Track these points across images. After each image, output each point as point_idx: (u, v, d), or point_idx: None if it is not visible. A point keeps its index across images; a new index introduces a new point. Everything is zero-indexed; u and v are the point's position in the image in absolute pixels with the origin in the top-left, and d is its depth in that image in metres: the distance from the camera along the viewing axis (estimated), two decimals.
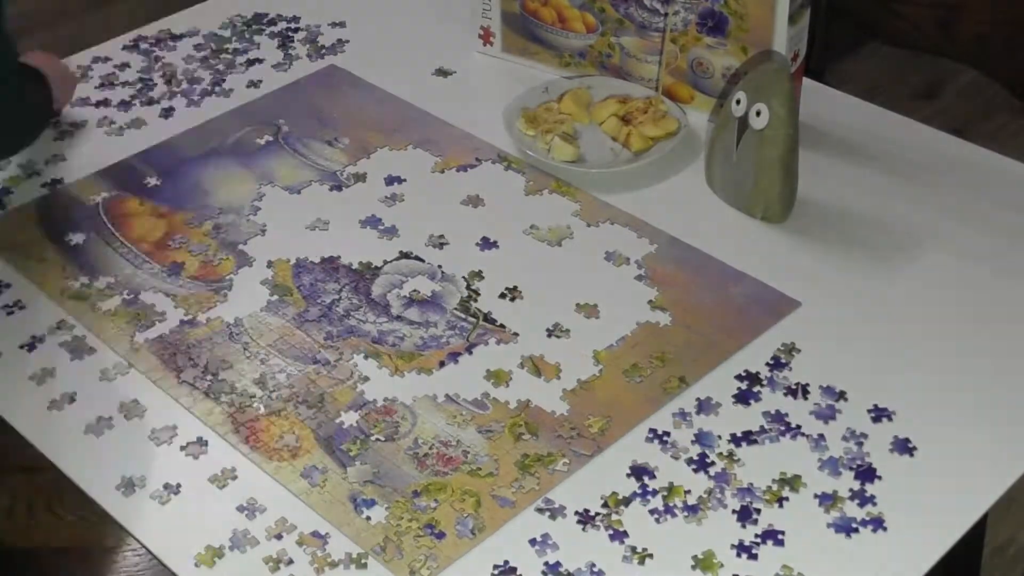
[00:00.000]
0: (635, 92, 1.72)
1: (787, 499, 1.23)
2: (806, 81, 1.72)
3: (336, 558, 1.19)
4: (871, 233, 1.54)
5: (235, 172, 1.68)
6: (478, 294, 1.47)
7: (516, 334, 1.42)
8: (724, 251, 1.51)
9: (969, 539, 1.24)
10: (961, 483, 1.24)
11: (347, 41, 1.92)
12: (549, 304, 1.45)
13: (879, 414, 1.31)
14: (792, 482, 1.24)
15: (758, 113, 1.51)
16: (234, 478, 1.27)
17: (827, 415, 1.31)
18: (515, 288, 1.48)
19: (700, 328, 1.41)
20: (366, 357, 1.39)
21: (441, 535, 1.21)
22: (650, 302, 1.45)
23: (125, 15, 2.48)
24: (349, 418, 1.33)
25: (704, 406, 1.32)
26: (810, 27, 1.66)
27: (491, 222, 1.57)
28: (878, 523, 1.20)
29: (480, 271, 1.50)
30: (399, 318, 1.44)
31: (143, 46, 1.93)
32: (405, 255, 1.53)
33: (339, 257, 1.53)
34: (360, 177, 1.66)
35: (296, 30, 1.95)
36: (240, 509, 1.24)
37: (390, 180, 1.65)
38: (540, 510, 1.23)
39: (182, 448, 1.31)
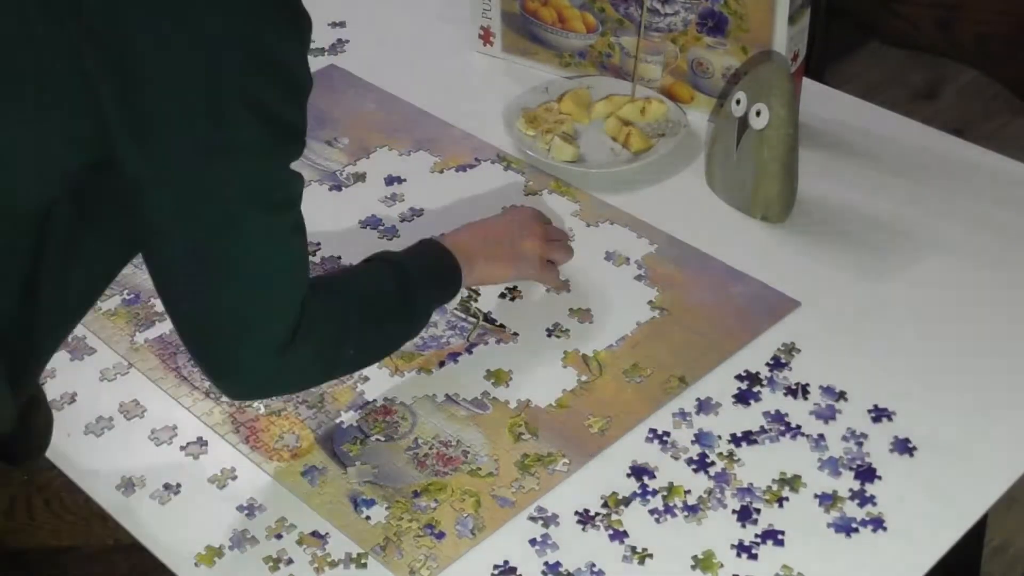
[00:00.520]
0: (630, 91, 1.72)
1: (787, 499, 1.23)
2: (806, 81, 1.72)
3: (336, 558, 1.19)
4: (871, 233, 1.54)
5: None
6: (478, 294, 1.47)
7: (516, 334, 1.42)
8: (724, 251, 1.51)
9: (969, 539, 1.24)
10: (961, 483, 1.24)
11: (347, 41, 1.92)
12: (549, 304, 1.45)
13: (879, 414, 1.31)
14: (792, 482, 1.24)
15: (758, 113, 1.51)
16: (234, 478, 1.27)
17: (827, 415, 1.31)
18: (515, 288, 1.48)
19: (700, 328, 1.41)
20: None
21: (441, 535, 1.21)
22: (650, 302, 1.45)
23: None
24: (349, 418, 1.33)
25: (704, 406, 1.32)
26: (810, 27, 1.66)
27: None
28: (878, 523, 1.20)
29: None
30: None
31: None
32: None
33: (339, 257, 1.53)
34: (360, 177, 1.66)
35: None
36: (240, 509, 1.24)
37: (390, 180, 1.65)
38: (540, 510, 1.23)
39: (182, 448, 1.31)
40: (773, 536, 1.19)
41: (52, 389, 1.37)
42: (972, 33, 2.71)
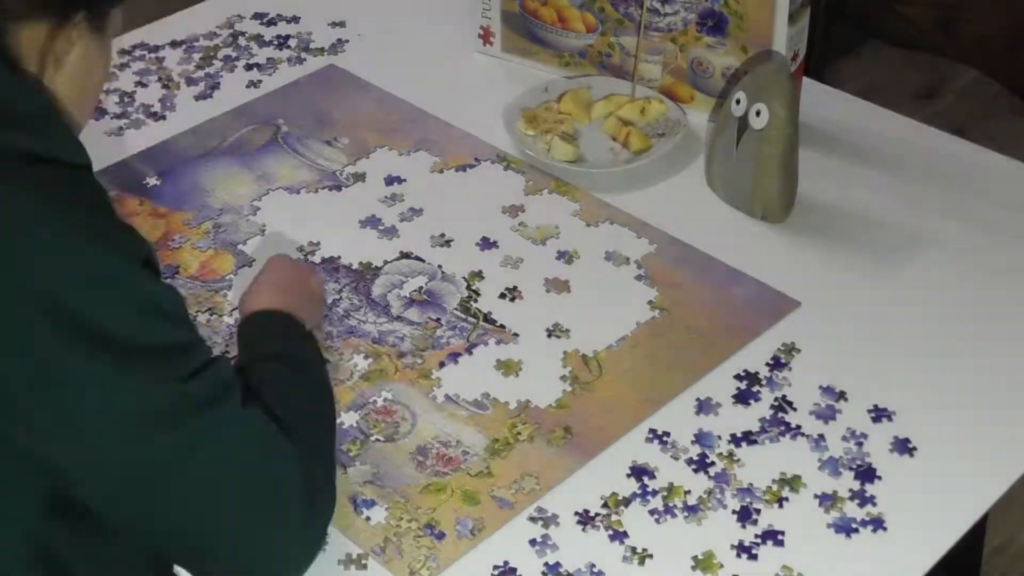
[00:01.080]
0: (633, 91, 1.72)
1: (787, 499, 1.23)
2: (806, 81, 1.72)
3: (336, 558, 1.19)
4: (871, 233, 1.54)
5: (234, 172, 1.68)
6: (478, 294, 1.47)
7: (516, 334, 1.42)
8: (724, 251, 1.51)
9: (969, 539, 1.24)
10: (961, 483, 1.24)
11: (347, 41, 1.92)
12: (549, 304, 1.45)
13: (879, 414, 1.31)
14: (792, 482, 1.24)
15: (758, 113, 1.51)
16: None
17: (827, 415, 1.31)
18: (515, 288, 1.48)
19: (700, 328, 1.41)
20: (366, 357, 1.39)
21: (441, 535, 1.21)
22: (650, 302, 1.45)
23: (126, 14, 2.47)
24: (349, 418, 1.32)
25: (704, 406, 1.32)
26: (810, 27, 1.66)
27: (491, 222, 1.57)
28: (878, 523, 1.20)
29: (480, 271, 1.50)
30: (399, 318, 1.44)
31: (143, 47, 1.93)
32: (405, 255, 1.53)
33: (339, 257, 1.53)
34: (360, 177, 1.66)
35: (296, 30, 1.95)
36: None
37: (390, 180, 1.65)
38: (540, 510, 1.23)
39: None
40: (773, 536, 1.19)
41: None
42: (972, 33, 2.71)
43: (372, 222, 1.58)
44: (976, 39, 2.73)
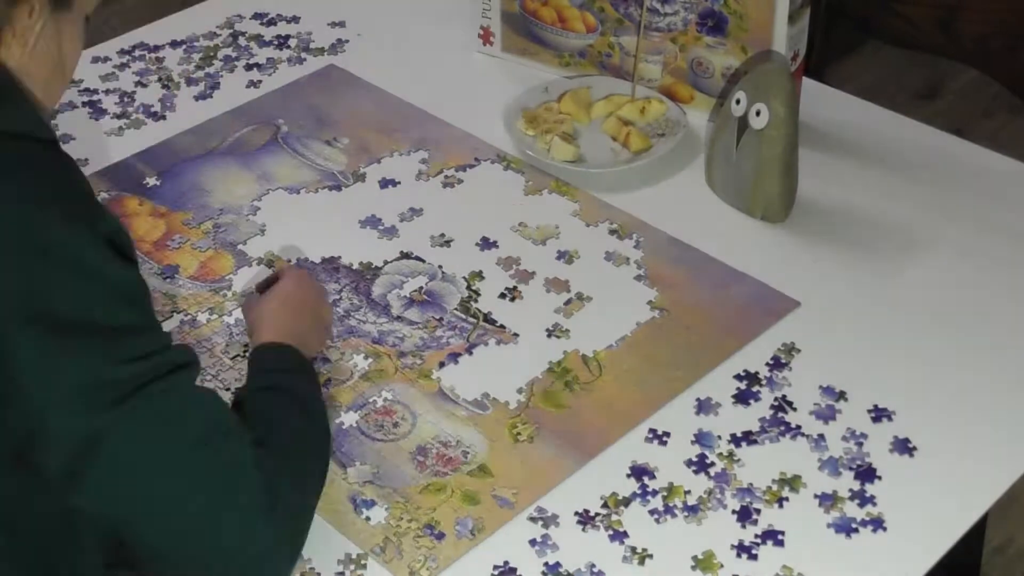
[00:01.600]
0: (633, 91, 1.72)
1: (787, 499, 1.23)
2: (806, 81, 1.72)
3: (336, 558, 1.19)
4: (871, 233, 1.54)
5: (234, 172, 1.68)
6: (478, 294, 1.47)
7: (516, 334, 1.42)
8: (724, 251, 1.51)
9: (969, 539, 1.24)
10: (961, 483, 1.24)
11: (347, 41, 1.92)
12: (549, 304, 1.45)
13: (879, 414, 1.31)
14: (792, 482, 1.24)
15: (758, 113, 1.51)
16: None
17: (827, 415, 1.31)
18: (515, 288, 1.48)
19: (700, 328, 1.41)
20: (366, 357, 1.39)
21: (441, 535, 1.21)
22: (650, 302, 1.45)
23: (126, 14, 2.48)
24: (349, 418, 1.32)
25: (704, 406, 1.32)
26: (810, 27, 1.66)
27: (491, 222, 1.57)
28: (878, 523, 1.20)
29: (480, 271, 1.50)
30: (399, 318, 1.44)
31: (143, 47, 1.93)
32: (405, 255, 1.53)
33: (339, 257, 1.53)
34: (360, 177, 1.66)
35: (296, 30, 1.95)
36: None
37: (389, 180, 1.65)
38: (540, 510, 1.23)
39: None
40: (773, 536, 1.19)
41: None
42: (972, 33, 2.71)
43: (372, 222, 1.58)
44: (976, 39, 2.73)
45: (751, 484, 1.24)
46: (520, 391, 1.35)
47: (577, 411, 1.33)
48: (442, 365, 1.38)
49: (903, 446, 1.27)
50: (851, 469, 1.25)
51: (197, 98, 1.81)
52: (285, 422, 1.17)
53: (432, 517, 1.22)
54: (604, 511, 1.22)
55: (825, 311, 1.43)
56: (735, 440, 1.28)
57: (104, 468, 1.01)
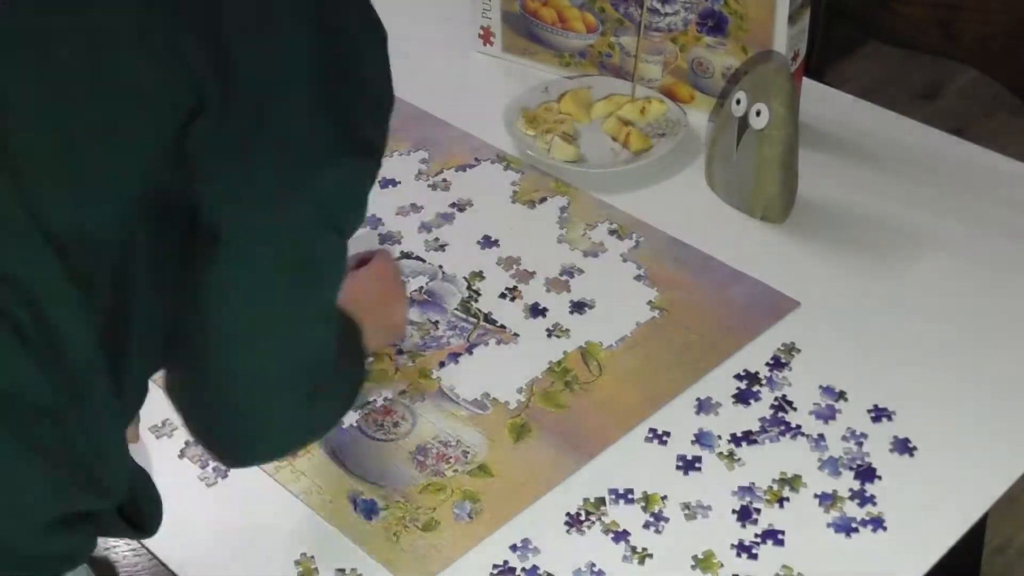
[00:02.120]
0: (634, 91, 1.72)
1: (787, 499, 1.23)
2: (806, 81, 1.72)
3: (336, 558, 1.19)
4: (871, 233, 1.54)
5: None
6: (478, 294, 1.47)
7: (516, 334, 1.42)
8: (724, 251, 1.51)
9: (969, 539, 1.24)
10: (961, 483, 1.24)
11: None
12: (549, 304, 1.45)
13: (879, 414, 1.31)
14: (792, 482, 1.24)
15: (758, 113, 1.51)
16: (233, 479, 1.27)
17: (827, 415, 1.31)
18: (515, 288, 1.48)
19: (700, 328, 1.41)
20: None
21: (441, 536, 1.21)
22: (650, 302, 1.45)
23: None
24: (349, 418, 1.32)
25: (704, 406, 1.32)
26: (810, 27, 1.66)
27: (491, 222, 1.57)
28: (878, 523, 1.20)
29: (480, 271, 1.50)
30: None
31: None
32: (406, 255, 1.53)
33: None
34: None
35: None
36: (240, 510, 1.24)
37: (388, 181, 1.65)
38: (540, 510, 1.23)
39: (181, 448, 1.30)
40: (773, 536, 1.19)
41: None
42: (972, 33, 2.71)
43: (372, 222, 1.58)
44: (976, 39, 2.73)
45: (751, 484, 1.24)
46: (520, 391, 1.35)
47: (577, 411, 1.33)
48: (442, 365, 1.38)
49: (903, 446, 1.27)
50: (851, 469, 1.25)
51: None
52: (342, 354, 1.12)
53: (432, 517, 1.22)
54: (604, 511, 1.22)
55: (825, 311, 1.43)
56: (735, 440, 1.28)
57: (239, 293, 0.97)
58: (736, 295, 1.46)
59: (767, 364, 1.37)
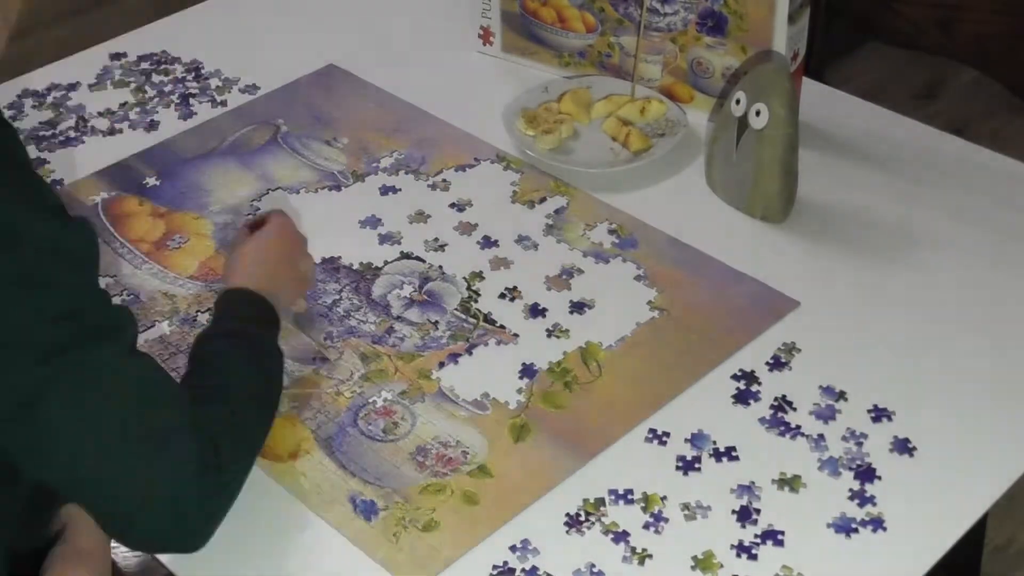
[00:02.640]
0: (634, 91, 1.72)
1: (787, 499, 1.23)
2: (806, 81, 1.72)
3: (336, 558, 1.19)
4: (871, 233, 1.54)
5: (234, 172, 1.68)
6: (478, 294, 1.47)
7: (516, 335, 1.42)
8: (724, 251, 1.51)
9: (969, 539, 1.24)
10: (961, 483, 1.24)
11: (347, 41, 1.92)
12: (549, 304, 1.45)
13: (879, 414, 1.31)
14: (792, 482, 1.24)
15: (758, 113, 1.51)
16: None
17: (827, 415, 1.31)
18: (515, 288, 1.48)
19: (700, 328, 1.41)
20: (366, 357, 1.39)
21: (441, 535, 1.21)
22: (650, 302, 1.45)
23: (127, 13, 2.47)
24: (349, 418, 1.32)
25: (704, 406, 1.32)
26: (810, 27, 1.66)
27: (491, 222, 1.57)
28: (878, 523, 1.20)
29: (480, 271, 1.50)
30: (399, 318, 1.44)
31: (142, 46, 1.93)
32: (406, 255, 1.53)
33: (339, 257, 1.53)
34: (360, 177, 1.66)
35: (294, 29, 1.95)
36: (239, 510, 1.24)
37: (390, 180, 1.65)
38: (540, 511, 1.23)
39: None
40: (773, 536, 1.19)
41: None
42: (972, 33, 2.71)
43: (372, 222, 1.58)
44: (976, 39, 2.73)
45: (751, 484, 1.24)
46: (520, 391, 1.35)
47: (577, 411, 1.33)
48: (442, 365, 1.38)
49: (903, 446, 1.27)
50: (851, 469, 1.25)
51: (197, 98, 1.81)
52: (238, 373, 1.18)
53: (432, 518, 1.22)
54: (604, 511, 1.22)
55: (825, 311, 1.43)
56: (735, 440, 1.28)
57: (32, 427, 1.02)
58: (736, 295, 1.45)
59: (767, 364, 1.36)
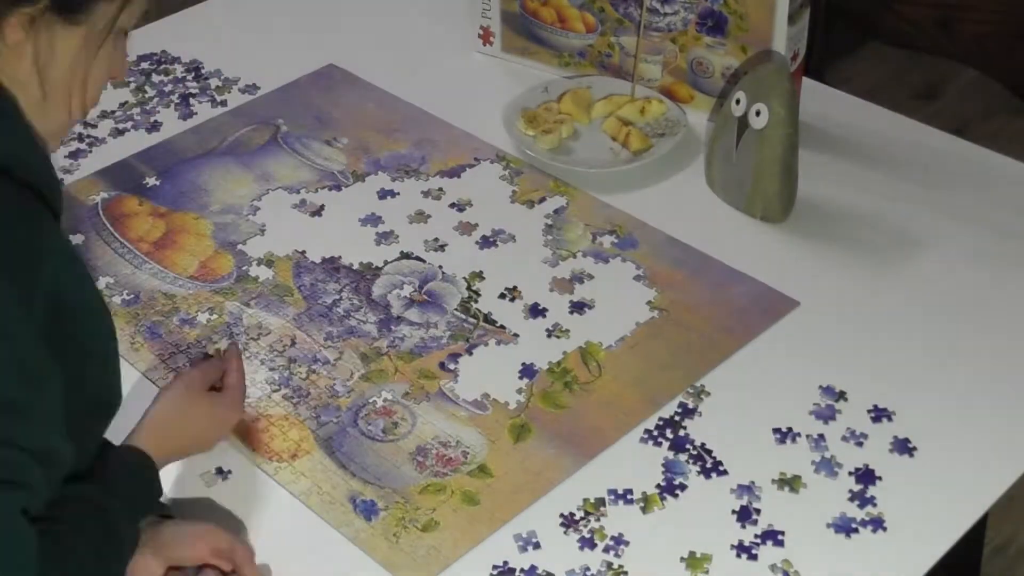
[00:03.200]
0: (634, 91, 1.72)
1: (787, 499, 1.23)
2: (806, 81, 1.72)
3: (336, 558, 1.19)
4: (871, 233, 1.54)
5: (234, 172, 1.68)
6: (478, 295, 1.47)
7: (516, 335, 1.42)
8: (724, 251, 1.51)
9: (969, 539, 1.24)
10: (961, 483, 1.24)
11: (347, 41, 1.92)
12: (549, 304, 1.45)
13: (879, 414, 1.31)
14: (792, 482, 1.24)
15: (758, 113, 1.51)
16: (233, 479, 1.27)
17: (827, 415, 1.31)
18: (515, 288, 1.48)
19: (700, 328, 1.41)
20: (366, 357, 1.39)
21: (441, 535, 1.21)
22: (650, 302, 1.45)
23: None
24: (349, 418, 1.32)
25: (703, 406, 1.32)
26: (810, 27, 1.66)
27: (491, 222, 1.57)
28: (878, 523, 1.20)
29: (480, 271, 1.50)
30: (399, 318, 1.44)
31: (142, 46, 1.93)
32: (406, 255, 1.53)
33: (339, 257, 1.53)
34: (360, 177, 1.66)
35: (294, 29, 1.95)
36: (239, 510, 1.24)
37: (389, 180, 1.65)
38: (539, 511, 1.23)
39: None
40: (773, 536, 1.19)
41: None
42: (972, 33, 2.71)
43: (372, 222, 1.58)
44: (976, 39, 2.73)
45: (751, 484, 1.24)
46: (520, 391, 1.35)
47: (577, 411, 1.32)
48: (442, 365, 1.38)
49: (903, 446, 1.27)
50: (851, 470, 1.25)
51: (197, 98, 1.81)
52: (76, 552, 1.05)
53: (432, 518, 1.22)
54: (603, 511, 1.22)
55: (825, 311, 1.43)
56: (734, 440, 1.28)
57: None
58: (736, 295, 1.45)
59: (767, 364, 1.36)
